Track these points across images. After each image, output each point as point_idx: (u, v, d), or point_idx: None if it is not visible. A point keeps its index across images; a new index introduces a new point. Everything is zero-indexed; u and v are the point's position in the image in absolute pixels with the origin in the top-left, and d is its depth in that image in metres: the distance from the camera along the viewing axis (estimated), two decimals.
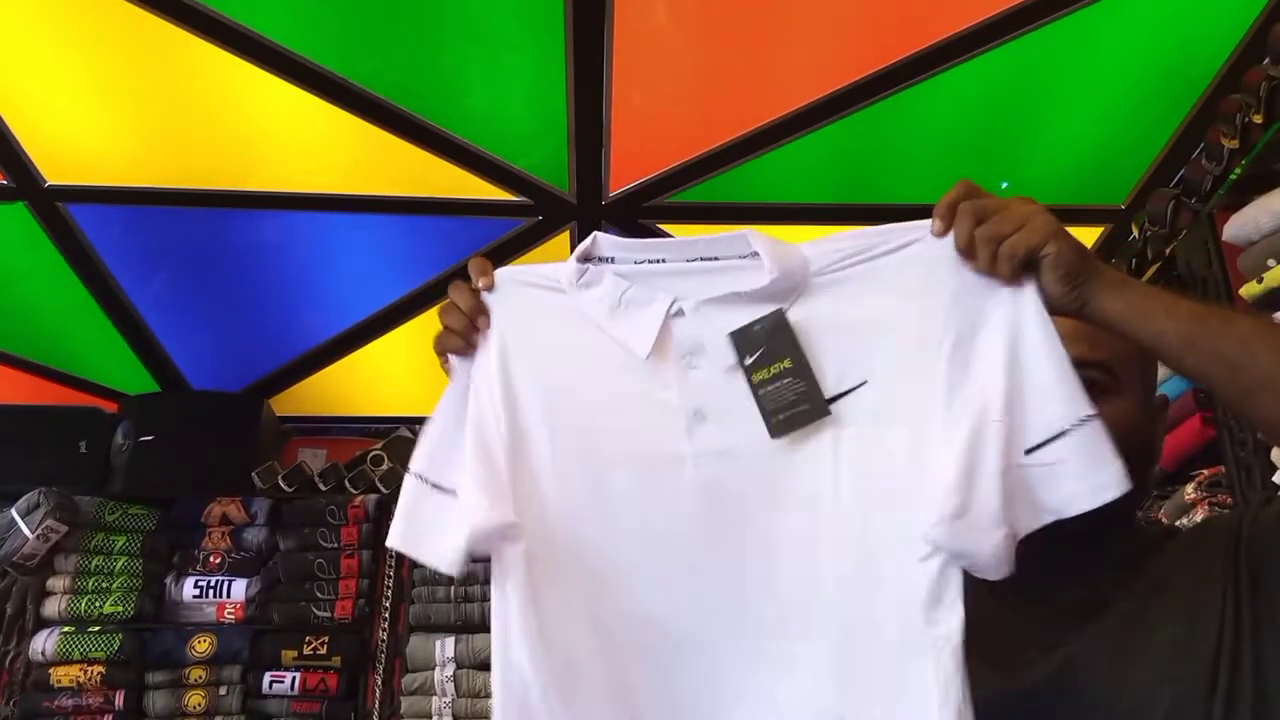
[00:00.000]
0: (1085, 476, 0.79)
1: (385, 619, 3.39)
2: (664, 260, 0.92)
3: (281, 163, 2.59)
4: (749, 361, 0.87)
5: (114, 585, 3.37)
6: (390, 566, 3.45)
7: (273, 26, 2.14)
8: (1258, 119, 2.00)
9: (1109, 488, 0.78)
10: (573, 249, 0.94)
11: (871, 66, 2.22)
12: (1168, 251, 2.40)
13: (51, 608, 3.34)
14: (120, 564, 3.39)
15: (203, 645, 3.30)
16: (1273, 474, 1.92)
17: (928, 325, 0.84)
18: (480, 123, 2.42)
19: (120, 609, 3.32)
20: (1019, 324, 0.81)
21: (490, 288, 0.94)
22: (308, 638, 3.32)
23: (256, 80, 2.26)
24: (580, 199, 2.65)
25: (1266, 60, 2.00)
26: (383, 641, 3.37)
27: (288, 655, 3.30)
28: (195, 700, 3.27)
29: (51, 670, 3.24)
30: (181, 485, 3.51)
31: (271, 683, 3.29)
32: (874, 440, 0.85)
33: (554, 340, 0.93)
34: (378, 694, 3.31)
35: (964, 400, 0.82)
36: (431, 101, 2.35)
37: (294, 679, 3.28)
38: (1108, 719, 0.85)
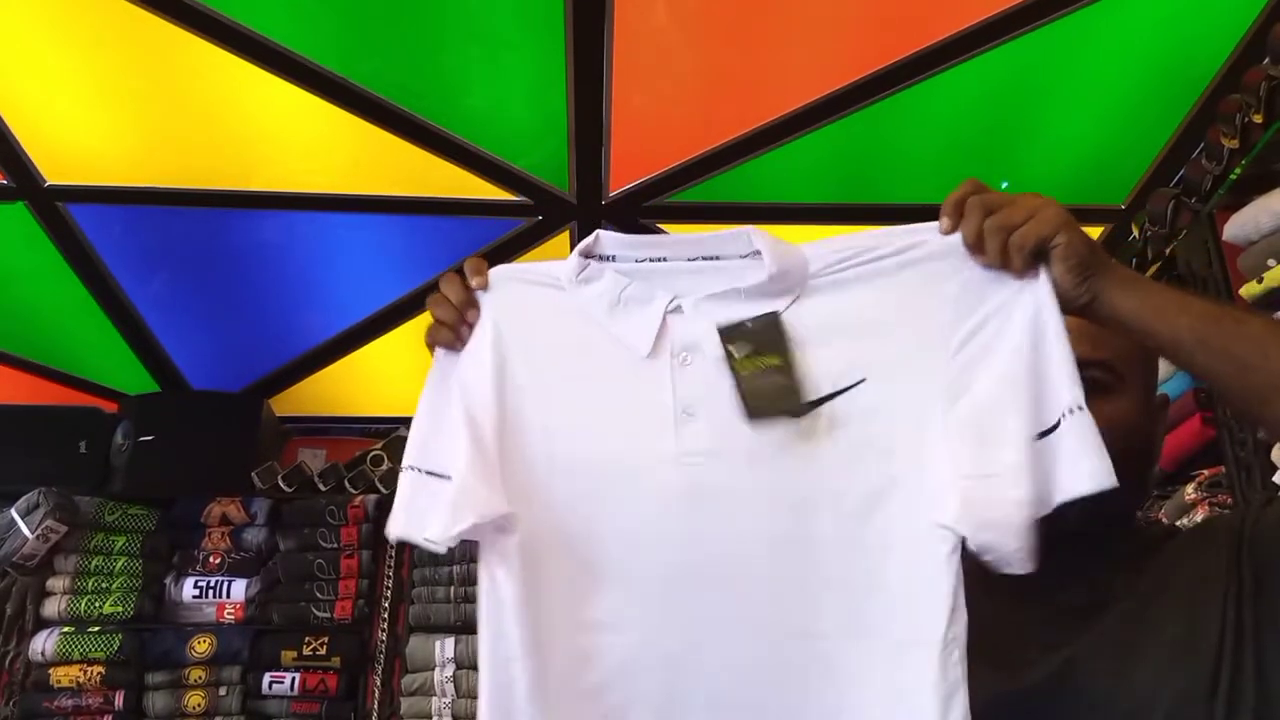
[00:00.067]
0: (1082, 461, 0.78)
1: (385, 619, 3.39)
2: (665, 259, 0.92)
3: (281, 163, 2.59)
4: (736, 354, 0.86)
5: (114, 585, 3.37)
6: (390, 567, 3.45)
7: (273, 26, 2.14)
8: (1258, 119, 2.00)
9: (1103, 475, 0.78)
10: (573, 249, 0.94)
11: (871, 66, 2.22)
12: (1168, 251, 2.40)
13: (51, 608, 3.34)
14: (120, 564, 3.39)
15: (202, 646, 3.30)
16: (1273, 474, 1.92)
17: (931, 323, 0.84)
18: (480, 123, 2.42)
19: (120, 609, 3.32)
20: (1034, 313, 0.81)
21: (484, 287, 0.94)
22: (307, 638, 3.31)
23: (256, 80, 2.26)
24: (580, 199, 2.65)
25: (1266, 60, 2.00)
26: (382, 642, 3.37)
27: (287, 656, 3.30)
28: (195, 701, 3.26)
29: (51, 670, 3.24)
30: (181, 485, 3.51)
31: (271, 683, 3.28)
32: (872, 438, 0.85)
33: (550, 336, 0.93)
34: (377, 694, 3.31)
35: (974, 395, 0.82)
36: (431, 101, 2.35)
37: (294, 679, 3.28)
38: (1108, 719, 0.85)
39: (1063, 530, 0.80)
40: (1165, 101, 2.34)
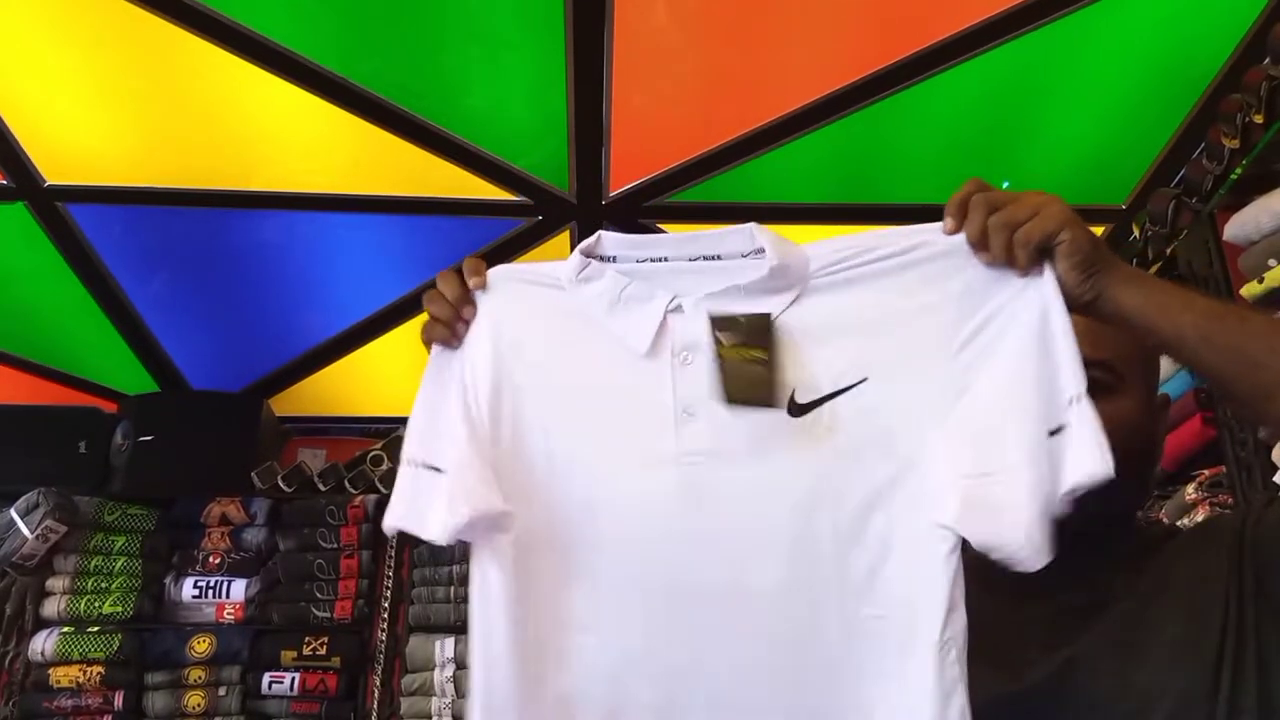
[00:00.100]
0: (1084, 452, 0.78)
1: (385, 619, 3.39)
2: (666, 259, 0.92)
3: (281, 163, 2.59)
4: (724, 341, 0.86)
5: (113, 585, 3.37)
6: (390, 567, 3.45)
7: (273, 26, 2.14)
8: (1258, 119, 2.00)
9: (1105, 464, 0.77)
10: (573, 249, 0.93)
11: (871, 66, 2.22)
12: (1168, 251, 2.40)
13: (51, 608, 3.34)
14: (120, 564, 3.39)
15: (202, 646, 3.30)
16: (1273, 474, 1.92)
17: (933, 322, 0.84)
18: (480, 123, 2.42)
19: (119, 609, 3.32)
20: (1040, 311, 0.81)
21: (482, 286, 0.93)
22: (307, 638, 3.32)
23: (256, 80, 2.26)
24: (580, 199, 2.65)
25: (1267, 60, 2.00)
26: (382, 642, 3.37)
27: (287, 656, 3.30)
28: (194, 701, 3.26)
29: (51, 671, 3.24)
30: (181, 485, 3.51)
31: (271, 683, 3.28)
32: (873, 438, 0.85)
33: (549, 336, 0.93)
34: (377, 694, 3.31)
35: (978, 394, 0.82)
36: (431, 101, 2.35)
37: (293, 679, 3.28)
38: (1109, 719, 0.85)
39: (1063, 530, 0.80)
40: (1166, 101, 2.34)
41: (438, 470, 0.89)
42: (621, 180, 2.59)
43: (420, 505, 0.88)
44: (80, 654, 3.24)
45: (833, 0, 2.12)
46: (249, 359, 3.49)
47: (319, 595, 3.37)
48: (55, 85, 2.34)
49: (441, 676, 3.22)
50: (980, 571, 0.81)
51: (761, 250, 0.89)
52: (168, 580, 3.44)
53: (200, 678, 3.29)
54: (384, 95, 2.31)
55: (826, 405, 0.86)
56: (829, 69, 2.26)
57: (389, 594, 3.42)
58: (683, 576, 0.86)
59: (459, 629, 3.29)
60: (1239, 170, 2.12)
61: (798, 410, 0.86)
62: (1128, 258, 2.55)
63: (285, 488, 3.50)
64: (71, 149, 2.53)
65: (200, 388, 3.63)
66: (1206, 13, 2.11)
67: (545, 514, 0.88)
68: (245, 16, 2.11)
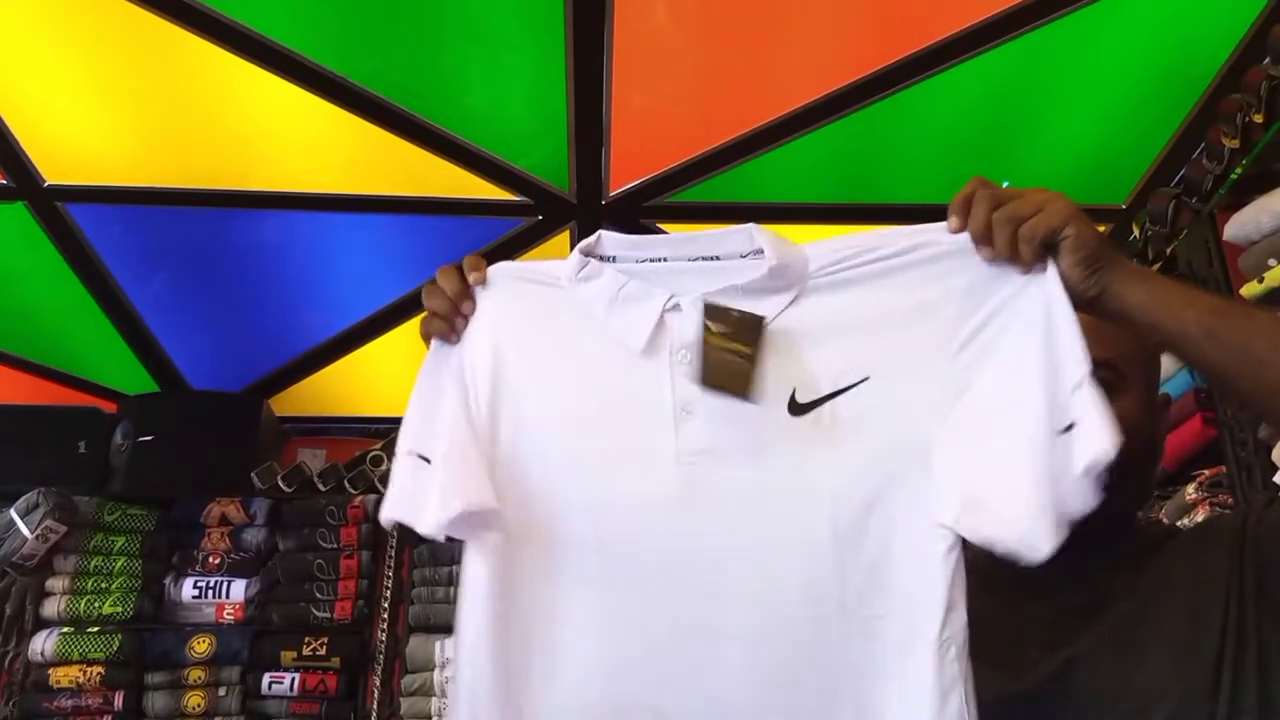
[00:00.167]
0: (1089, 438, 0.77)
1: (385, 620, 3.39)
2: (665, 259, 0.92)
3: (281, 163, 2.59)
4: (712, 328, 0.86)
5: (113, 586, 3.37)
6: (390, 567, 3.44)
7: (273, 26, 2.14)
8: (1258, 118, 2.00)
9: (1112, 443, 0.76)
10: (573, 249, 0.94)
11: (871, 66, 2.22)
12: (1169, 251, 2.40)
13: (51, 608, 3.34)
14: (119, 564, 3.38)
15: (202, 646, 3.29)
16: (1274, 474, 1.92)
17: (934, 321, 0.84)
18: (480, 123, 2.42)
19: (119, 609, 3.32)
20: (1044, 308, 0.81)
21: (481, 283, 0.94)
22: (307, 638, 3.31)
23: (256, 80, 2.26)
24: (580, 199, 2.65)
25: (1267, 60, 2.00)
26: (382, 642, 3.37)
27: (287, 656, 3.29)
28: (194, 701, 3.26)
29: (51, 671, 3.24)
30: (181, 485, 3.51)
31: (271, 683, 3.28)
32: (873, 437, 0.85)
33: (547, 334, 0.93)
34: (377, 695, 3.31)
35: (980, 392, 0.81)
36: (431, 101, 2.35)
37: (293, 680, 3.28)
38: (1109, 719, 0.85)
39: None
40: (1166, 101, 2.34)
41: (432, 463, 0.89)
42: (621, 180, 2.59)
43: (415, 499, 0.88)
44: (80, 654, 3.24)
45: (833, 0, 2.12)
46: (249, 359, 3.49)
47: (319, 595, 3.37)
48: (55, 85, 2.34)
49: (441, 677, 3.22)
50: (981, 571, 0.81)
51: (761, 250, 0.89)
52: (168, 580, 3.43)
53: (200, 678, 3.29)
54: (384, 95, 2.31)
55: (826, 405, 0.86)
56: (829, 69, 2.26)
57: (389, 594, 3.42)
58: (682, 576, 0.86)
59: None
60: (1239, 170, 2.12)
61: (798, 410, 0.86)
62: (1127, 257, 2.55)
63: (285, 488, 3.49)
64: (71, 149, 2.53)
65: (200, 388, 3.63)
66: (1206, 13, 2.11)
67: (544, 512, 0.88)
68: (245, 16, 2.11)
